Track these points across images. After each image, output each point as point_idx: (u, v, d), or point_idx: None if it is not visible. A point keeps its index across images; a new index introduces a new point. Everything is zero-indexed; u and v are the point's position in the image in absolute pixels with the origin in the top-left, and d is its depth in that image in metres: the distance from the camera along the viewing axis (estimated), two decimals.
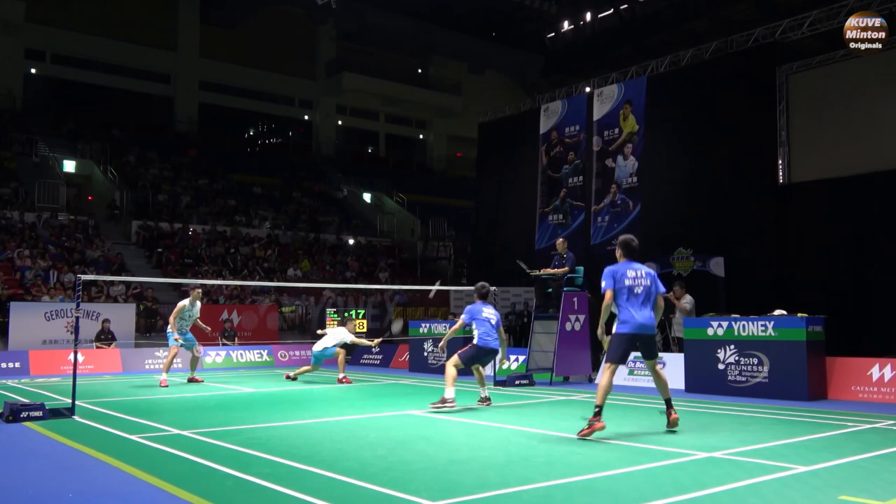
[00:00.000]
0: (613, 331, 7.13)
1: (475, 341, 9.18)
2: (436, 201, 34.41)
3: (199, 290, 13.04)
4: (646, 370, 12.20)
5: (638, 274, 6.97)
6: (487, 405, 9.28)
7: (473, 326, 9.22)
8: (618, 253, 7.32)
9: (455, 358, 9.07)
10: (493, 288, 10.12)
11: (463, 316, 9.34)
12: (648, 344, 7.06)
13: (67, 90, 31.97)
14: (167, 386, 12.15)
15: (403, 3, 32.11)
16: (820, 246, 14.32)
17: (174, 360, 13.15)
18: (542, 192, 18.99)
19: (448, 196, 35.38)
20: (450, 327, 15.02)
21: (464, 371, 9.30)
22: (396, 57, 38.55)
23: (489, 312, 9.27)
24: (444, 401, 8.75)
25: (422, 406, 9.34)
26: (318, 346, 13.36)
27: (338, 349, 13.30)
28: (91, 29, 31.30)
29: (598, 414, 6.65)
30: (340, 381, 12.90)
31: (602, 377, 6.89)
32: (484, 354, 9.20)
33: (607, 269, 7.04)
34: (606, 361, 7.07)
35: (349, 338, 13.35)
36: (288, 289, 22.55)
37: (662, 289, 7.16)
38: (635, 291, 6.91)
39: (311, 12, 33.02)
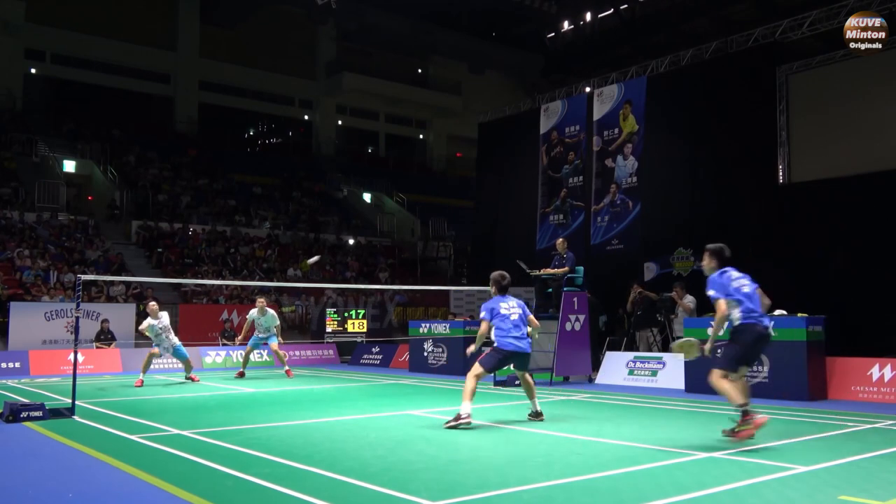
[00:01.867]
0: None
1: (495, 344, 7.80)
2: (436, 201, 34.39)
3: (155, 305, 13.31)
4: (646, 370, 12.22)
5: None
6: (540, 420, 7.85)
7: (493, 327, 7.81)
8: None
9: (476, 366, 7.75)
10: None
11: (482, 315, 7.82)
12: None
13: (67, 90, 31.95)
14: (141, 386, 12.24)
15: (403, 3, 32.10)
16: (820, 246, 14.32)
17: (152, 362, 13.17)
18: (542, 193, 18.99)
19: (448, 196, 35.36)
20: (450, 327, 15.16)
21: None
22: (396, 57, 38.53)
23: (510, 307, 7.85)
24: (458, 418, 7.38)
25: (422, 406, 9.34)
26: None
27: (273, 344, 14.16)
28: (91, 29, 31.29)
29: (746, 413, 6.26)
30: (288, 373, 14.24)
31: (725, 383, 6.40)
32: (509, 358, 7.79)
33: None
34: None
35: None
36: (288, 289, 22.55)
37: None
38: None
39: (311, 12, 33.02)
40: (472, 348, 7.99)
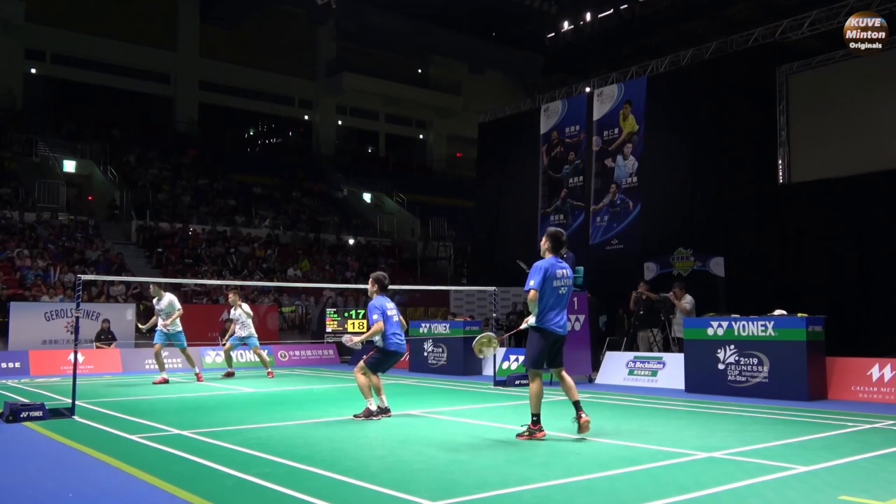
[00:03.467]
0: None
1: (382, 344, 8.11)
2: (436, 201, 34.41)
3: (155, 288, 13.11)
4: (646, 370, 12.22)
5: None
6: (387, 416, 8.11)
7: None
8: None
9: (360, 364, 8.17)
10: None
11: (375, 317, 8.03)
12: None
13: (67, 90, 31.96)
14: (161, 383, 12.33)
15: (403, 3, 32.10)
16: (820, 246, 14.33)
17: (162, 358, 13.15)
18: (543, 193, 19.00)
19: (448, 196, 35.38)
20: (450, 327, 15.16)
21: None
22: (396, 57, 38.55)
23: (392, 307, 8.24)
24: (368, 413, 8.00)
25: (422, 406, 9.33)
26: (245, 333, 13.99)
27: (256, 348, 14.20)
28: (91, 29, 31.29)
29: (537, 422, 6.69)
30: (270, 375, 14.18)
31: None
32: (392, 357, 8.25)
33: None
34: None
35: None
36: (288, 289, 22.55)
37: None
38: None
39: (311, 12, 32.99)
40: (354, 340, 8.19)
